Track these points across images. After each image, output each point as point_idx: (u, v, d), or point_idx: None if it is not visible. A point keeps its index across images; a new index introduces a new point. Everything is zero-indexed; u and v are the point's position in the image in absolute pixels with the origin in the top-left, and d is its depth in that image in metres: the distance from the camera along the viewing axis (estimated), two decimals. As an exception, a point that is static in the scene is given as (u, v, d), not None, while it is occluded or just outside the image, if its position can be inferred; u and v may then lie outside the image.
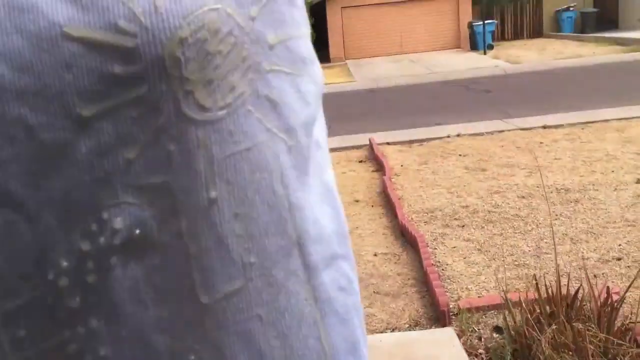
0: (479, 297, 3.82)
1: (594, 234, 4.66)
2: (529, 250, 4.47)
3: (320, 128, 0.59)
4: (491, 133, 8.72)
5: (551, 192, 5.67)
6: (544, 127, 8.73)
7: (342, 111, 11.56)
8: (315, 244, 0.56)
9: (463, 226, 5.11)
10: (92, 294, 0.47)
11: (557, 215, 5.07)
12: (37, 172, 0.44)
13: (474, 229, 5.02)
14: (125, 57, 0.43)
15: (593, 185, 5.83)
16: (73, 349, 0.47)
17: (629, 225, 4.74)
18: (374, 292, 4.06)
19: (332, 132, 9.96)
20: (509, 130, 8.73)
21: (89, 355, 0.48)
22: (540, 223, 4.98)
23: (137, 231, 0.46)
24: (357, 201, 6.31)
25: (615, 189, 5.63)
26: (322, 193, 0.58)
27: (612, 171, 6.25)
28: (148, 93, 0.44)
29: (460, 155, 7.58)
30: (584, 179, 6.07)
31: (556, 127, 8.66)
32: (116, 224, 0.46)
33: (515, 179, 6.31)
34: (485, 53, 20.60)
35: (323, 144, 0.61)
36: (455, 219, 5.29)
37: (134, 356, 0.48)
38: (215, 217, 0.48)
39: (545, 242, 4.56)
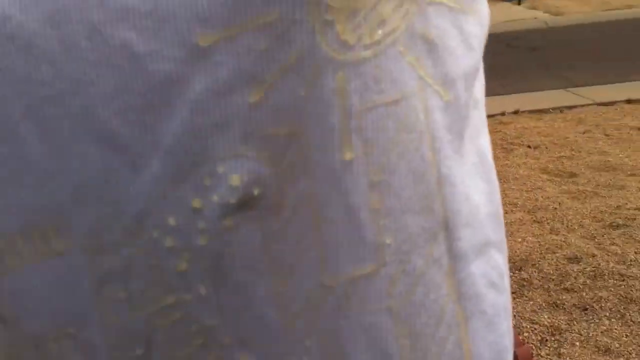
0: None
1: None
2: None
3: (480, 82, 0.49)
4: (559, 110, 6.52)
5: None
6: (628, 101, 6.53)
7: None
8: (465, 227, 0.47)
9: (586, 313, 2.93)
10: (202, 259, 0.41)
11: None
12: (144, 111, 0.38)
13: (608, 318, 2.86)
14: None
15: None
16: (177, 316, 0.42)
17: None
18: None
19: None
20: (582, 106, 6.51)
21: (195, 324, 0.42)
22: None
23: (256, 190, 0.39)
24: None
25: None
26: (477, 163, 0.49)
27: None
28: (279, 20, 0.36)
29: (529, 147, 5.38)
30: None
31: (647, 101, 6.46)
32: (233, 180, 0.39)
33: (628, 194, 4.15)
34: (519, 3, 18.18)
35: (481, 101, 0.50)
36: (566, 290, 3.12)
37: (244, 330, 0.43)
38: (349, 184, 0.40)
39: None
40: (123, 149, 0.38)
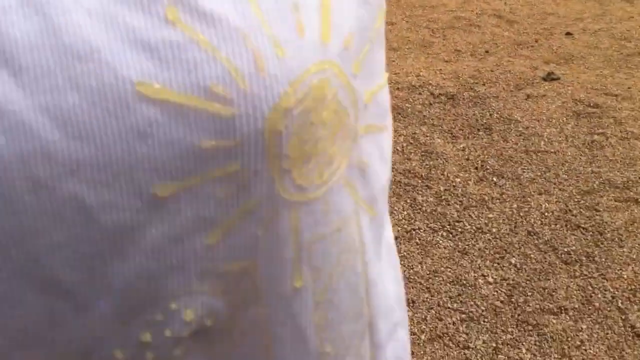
0: None
1: None
2: None
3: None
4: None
5: None
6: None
7: None
8: (383, 319, 0.50)
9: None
10: None
11: None
12: (94, 258, 0.36)
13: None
14: (217, 129, 0.34)
15: None
16: None
17: None
18: None
19: None
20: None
21: None
22: None
23: (209, 322, 0.40)
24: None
25: None
26: (387, 255, 0.52)
27: None
28: (239, 171, 0.36)
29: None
30: None
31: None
32: (186, 315, 0.39)
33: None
34: None
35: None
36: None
37: None
38: (298, 307, 0.43)
39: None
40: (69, 294, 0.36)
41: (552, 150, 2.99)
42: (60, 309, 0.37)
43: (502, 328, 2.03)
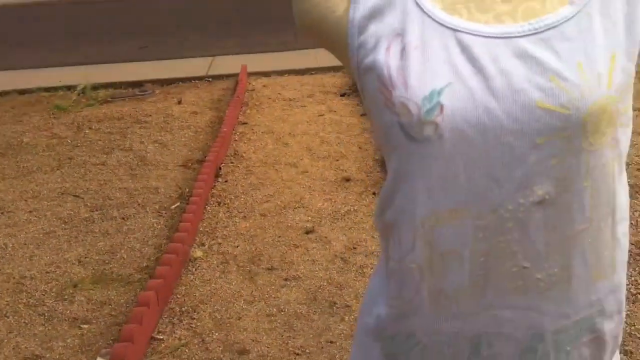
0: None
1: None
2: None
3: None
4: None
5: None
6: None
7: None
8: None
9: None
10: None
11: None
12: None
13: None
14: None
15: None
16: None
17: None
18: None
19: (300, 44, 7.52)
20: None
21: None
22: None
23: (547, 196, 0.81)
24: (347, 180, 4.02)
25: None
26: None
27: None
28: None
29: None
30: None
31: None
32: (538, 191, 0.81)
33: None
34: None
35: None
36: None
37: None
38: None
39: None
40: None
41: None
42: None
43: None
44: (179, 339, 2.65)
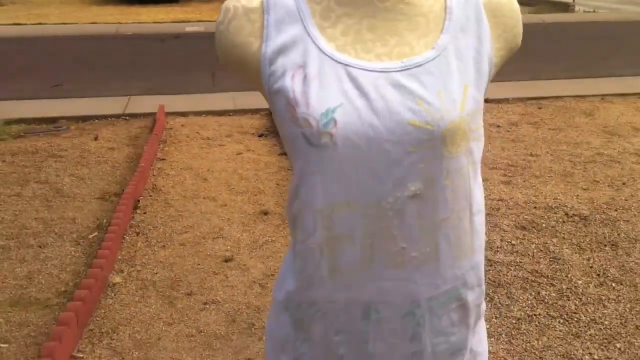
0: None
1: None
2: None
3: None
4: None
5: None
6: (486, 100, 6.90)
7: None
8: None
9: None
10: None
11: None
12: None
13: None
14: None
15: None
16: None
17: None
18: None
19: (217, 87, 7.65)
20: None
21: None
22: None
23: (418, 192, 1.06)
24: (265, 213, 4.15)
25: None
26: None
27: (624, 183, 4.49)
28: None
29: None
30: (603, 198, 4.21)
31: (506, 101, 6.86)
32: (411, 187, 1.06)
33: (491, 186, 4.37)
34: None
35: None
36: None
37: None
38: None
39: None
40: None
41: (672, 267, 3.34)
42: None
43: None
44: (99, 357, 2.68)
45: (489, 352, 2.66)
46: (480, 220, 1.14)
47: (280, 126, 1.12)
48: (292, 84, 1.07)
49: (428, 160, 1.05)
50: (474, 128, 1.09)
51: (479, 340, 1.23)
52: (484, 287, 1.19)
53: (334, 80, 1.06)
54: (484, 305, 1.22)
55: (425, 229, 1.07)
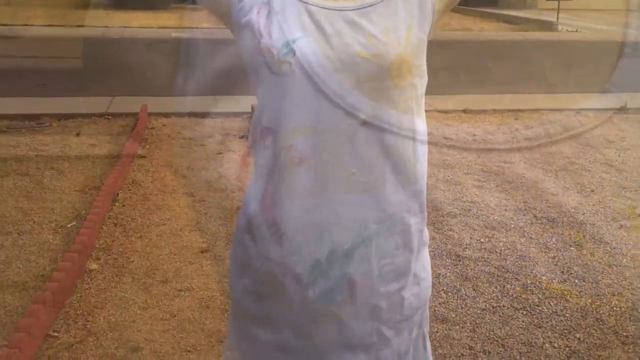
0: None
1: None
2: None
3: None
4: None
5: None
6: (464, 110, 7.05)
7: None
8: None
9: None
10: None
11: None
12: None
13: (445, 292, 3.09)
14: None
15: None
16: None
17: None
18: None
19: (200, 90, 7.74)
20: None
21: None
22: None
23: (367, 119, 1.18)
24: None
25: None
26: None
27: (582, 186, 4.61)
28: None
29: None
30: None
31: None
32: (361, 115, 1.18)
33: (464, 189, 4.49)
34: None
35: None
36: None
37: None
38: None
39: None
40: None
41: (633, 266, 3.46)
42: None
43: (560, 381, 2.50)
44: (74, 337, 2.74)
45: (453, 338, 2.76)
46: (423, 150, 1.25)
47: (246, 57, 1.24)
48: (257, 17, 1.21)
49: (377, 89, 1.15)
50: (417, 64, 1.21)
51: (422, 266, 1.35)
52: (425, 213, 1.29)
53: (295, 16, 1.19)
54: (426, 232, 1.33)
55: (373, 156, 1.17)
